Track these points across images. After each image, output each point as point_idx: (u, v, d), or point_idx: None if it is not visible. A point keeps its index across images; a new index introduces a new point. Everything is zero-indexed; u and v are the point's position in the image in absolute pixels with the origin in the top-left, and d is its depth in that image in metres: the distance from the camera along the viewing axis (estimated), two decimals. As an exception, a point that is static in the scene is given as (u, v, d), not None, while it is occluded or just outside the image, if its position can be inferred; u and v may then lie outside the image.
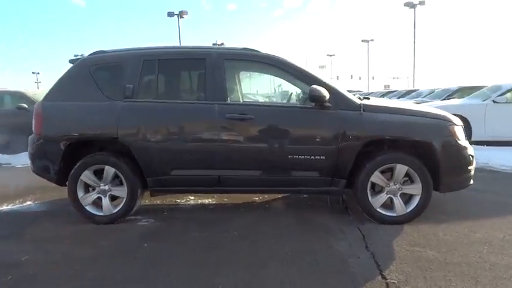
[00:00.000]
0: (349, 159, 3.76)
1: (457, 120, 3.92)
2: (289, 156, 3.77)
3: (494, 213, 4.12)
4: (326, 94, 3.66)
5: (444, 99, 12.08)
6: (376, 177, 3.79)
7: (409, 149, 3.83)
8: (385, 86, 51.80)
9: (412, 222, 3.81)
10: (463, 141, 3.85)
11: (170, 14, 34.80)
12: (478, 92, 10.14)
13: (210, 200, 4.83)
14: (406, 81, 48.17)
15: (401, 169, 3.75)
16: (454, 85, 13.91)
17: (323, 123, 3.77)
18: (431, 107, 4.33)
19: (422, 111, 3.95)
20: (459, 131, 3.87)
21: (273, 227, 3.83)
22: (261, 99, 7.20)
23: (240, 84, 4.74)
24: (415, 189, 3.79)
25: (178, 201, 4.85)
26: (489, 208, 4.31)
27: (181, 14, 34.56)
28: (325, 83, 3.84)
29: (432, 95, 13.95)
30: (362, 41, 51.27)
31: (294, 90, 4.51)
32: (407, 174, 3.80)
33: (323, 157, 3.76)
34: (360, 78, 58.52)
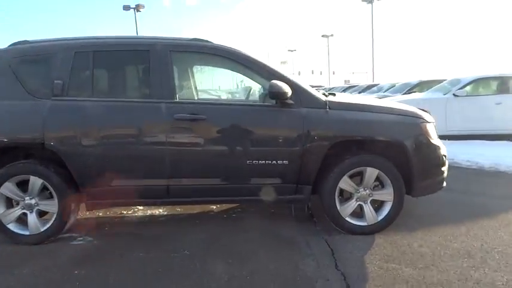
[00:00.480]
0: (314, 163, 3.34)
1: (428, 117, 3.59)
2: (248, 162, 3.30)
3: (468, 217, 3.85)
4: (287, 90, 3.22)
5: (405, 93, 12.05)
6: (345, 183, 3.40)
7: (380, 150, 3.47)
8: (345, 80, 52.48)
9: (383, 231, 3.45)
10: (435, 140, 3.54)
11: (126, 8, 33.24)
12: (438, 85, 10.10)
13: (161, 210, 4.28)
14: (365, 76, 49.01)
15: (371, 173, 3.38)
16: (413, 79, 13.96)
17: (285, 123, 3.33)
18: (400, 103, 4.01)
19: (392, 108, 3.59)
20: (431, 129, 3.55)
21: (232, 242, 3.36)
22: (223, 97, 6.64)
23: (193, 80, 4.21)
24: (387, 195, 3.44)
25: (124, 212, 4.27)
26: (462, 211, 4.05)
27: (137, 8, 33.08)
28: (286, 77, 3.39)
29: (393, 89, 13.94)
30: (322, 36, 51.62)
31: (255, 86, 4.05)
32: (377, 179, 3.44)
33: (286, 161, 3.32)
34: (320, 73, 58.98)
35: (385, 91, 14.39)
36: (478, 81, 9.11)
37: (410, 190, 3.49)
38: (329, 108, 3.33)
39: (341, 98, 3.77)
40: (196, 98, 4.17)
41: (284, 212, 4.11)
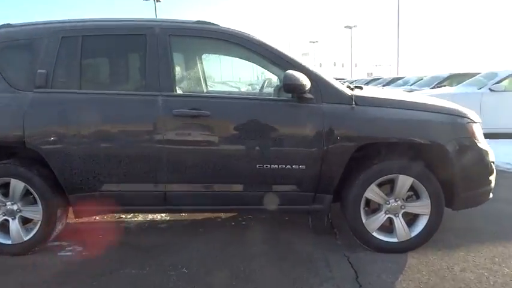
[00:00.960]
0: (337, 169, 2.83)
1: (475, 116, 3.02)
2: (258, 166, 2.82)
3: (517, 233, 3.27)
4: (306, 82, 2.70)
5: (434, 87, 11.29)
6: (372, 192, 2.87)
7: (415, 154, 2.93)
8: (368, 73, 51.22)
9: (417, 250, 2.93)
10: (483, 143, 2.97)
11: (145, -3, 33.10)
12: (471, 79, 9.34)
13: (163, 215, 3.85)
14: (389, 69, 47.65)
15: (405, 181, 2.85)
16: (442, 72, 13.13)
17: (302, 121, 2.82)
18: (438, 99, 3.45)
19: (431, 105, 3.02)
20: (478, 130, 2.98)
21: (239, 257, 2.90)
22: (233, 89, 6.13)
23: (198, 70, 3.74)
24: (423, 208, 2.90)
25: (123, 216, 3.85)
26: (508, 225, 3.46)
27: (157, -2, 32.88)
28: (305, 67, 2.87)
29: (420, 82, 13.15)
30: (345, 27, 50.41)
31: (273, 78, 3.55)
32: (412, 188, 2.90)
33: (303, 166, 2.82)
34: (342, 65, 57.85)
35: (412, 84, 13.61)
36: (517, 76, 8.33)
37: (450, 202, 2.95)
38: (355, 104, 2.80)
39: (370, 92, 3.23)
40: (200, 91, 3.69)
41: (300, 220, 3.61)
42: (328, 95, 2.83)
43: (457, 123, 2.90)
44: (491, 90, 7.91)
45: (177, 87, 2.93)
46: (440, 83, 11.74)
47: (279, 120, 2.84)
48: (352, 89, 3.03)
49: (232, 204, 2.99)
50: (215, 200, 2.94)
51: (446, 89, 9.74)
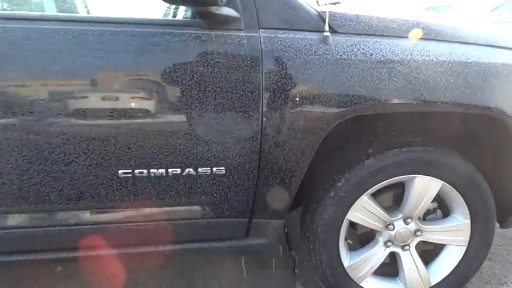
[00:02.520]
0: (293, 169, 1.35)
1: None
2: (122, 173, 1.28)
3: None
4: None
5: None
6: (363, 211, 1.45)
7: (445, 135, 1.50)
8: None
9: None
10: None
11: None
12: None
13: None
14: None
15: (427, 188, 1.43)
16: None
17: (214, 72, 1.24)
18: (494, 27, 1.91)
19: (482, 36, 1.50)
20: None
21: None
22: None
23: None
24: (455, 233, 1.53)
25: None
26: None
27: None
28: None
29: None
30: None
31: None
32: (436, 198, 1.49)
33: (219, 169, 1.31)
34: None
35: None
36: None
37: (500, 216, 1.58)
38: (332, 30, 1.27)
39: (357, 8, 1.65)
40: None
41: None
42: (271, 14, 1.27)
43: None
44: None
45: None
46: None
47: (163, 74, 1.25)
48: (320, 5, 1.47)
49: (70, 247, 1.45)
50: (36, 240, 1.40)
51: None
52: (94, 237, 1.37)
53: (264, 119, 1.26)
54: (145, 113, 1.21)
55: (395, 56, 1.28)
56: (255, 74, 1.22)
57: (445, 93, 1.30)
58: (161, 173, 1.29)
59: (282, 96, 1.24)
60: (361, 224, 1.48)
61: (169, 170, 1.29)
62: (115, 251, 1.41)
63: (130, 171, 1.28)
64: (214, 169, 1.31)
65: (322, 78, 1.25)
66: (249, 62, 1.22)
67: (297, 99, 1.26)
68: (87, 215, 1.35)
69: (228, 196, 1.37)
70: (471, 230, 1.51)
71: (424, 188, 1.43)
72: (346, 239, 1.53)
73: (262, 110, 1.25)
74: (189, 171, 1.30)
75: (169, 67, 1.20)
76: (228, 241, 1.48)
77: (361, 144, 1.47)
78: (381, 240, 1.53)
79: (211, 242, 1.47)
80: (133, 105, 1.21)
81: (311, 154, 1.33)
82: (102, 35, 1.18)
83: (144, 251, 1.43)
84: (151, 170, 1.29)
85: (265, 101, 1.25)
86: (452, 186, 1.44)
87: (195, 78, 1.21)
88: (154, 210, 1.37)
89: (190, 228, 1.42)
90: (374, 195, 1.47)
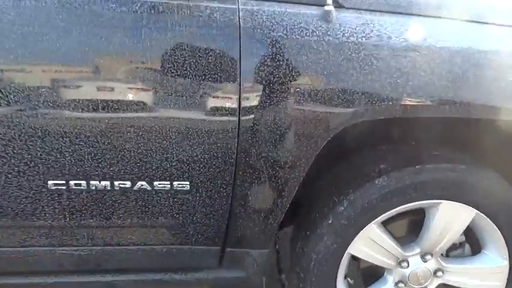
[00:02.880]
0: (281, 189, 1.03)
1: None
2: (52, 184, 0.97)
3: None
4: None
5: None
6: (369, 244, 1.12)
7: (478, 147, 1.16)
8: None
9: None
10: None
11: None
12: None
13: None
14: None
15: (454, 216, 1.10)
16: None
17: (183, 56, 0.91)
18: None
19: None
20: None
21: None
22: None
23: None
24: (488, 276, 1.18)
25: None
26: None
27: None
28: None
29: None
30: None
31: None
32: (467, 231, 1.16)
33: (184, 184, 0.99)
34: None
35: None
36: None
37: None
38: (337, 4, 0.94)
39: None
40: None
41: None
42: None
43: None
44: None
45: None
46: None
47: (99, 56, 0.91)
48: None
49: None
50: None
51: None
52: (19, 263, 1.07)
53: (242, 120, 0.94)
54: (75, 106, 0.90)
55: (424, 41, 0.94)
56: (229, 59, 0.90)
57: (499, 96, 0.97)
58: (104, 186, 0.98)
59: (266, 90, 0.92)
60: (367, 259, 1.15)
61: (116, 183, 0.98)
62: (47, 280, 1.10)
63: (63, 182, 0.97)
64: (176, 183, 1.00)
65: (321, 68, 0.92)
66: (222, 43, 0.90)
67: (287, 95, 0.93)
68: (7, 236, 1.05)
69: (194, 218, 1.05)
70: (509, 273, 1.17)
71: (451, 218, 1.10)
72: (345, 277, 1.20)
73: (239, 109, 0.93)
74: (141, 185, 0.99)
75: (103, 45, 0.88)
76: (195, 272, 1.16)
77: (371, 157, 1.14)
78: (391, 280, 1.20)
79: (173, 273, 1.15)
80: (54, 94, 0.90)
81: (305, 168, 1.01)
82: None
83: (84, 280, 1.12)
84: (92, 182, 0.97)
85: (243, 96, 0.93)
86: (488, 216, 1.10)
87: (149, 63, 0.89)
88: (97, 232, 1.06)
89: (144, 256, 1.10)
90: (384, 223, 1.15)
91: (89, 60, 0.89)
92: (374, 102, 0.94)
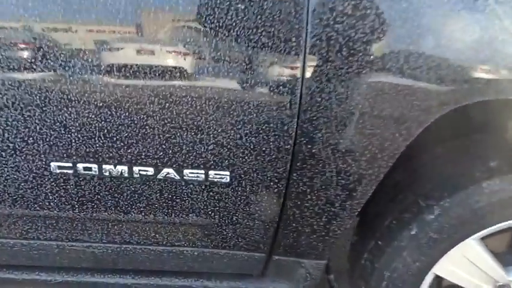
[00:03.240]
0: (353, 187, 0.76)
1: None
2: (55, 167, 0.76)
3: None
4: None
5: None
6: (462, 262, 0.84)
7: None
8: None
9: None
10: None
11: None
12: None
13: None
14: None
15: None
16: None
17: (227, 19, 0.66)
18: None
19: None
20: None
21: None
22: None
23: None
24: None
25: None
26: None
27: None
28: None
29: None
30: None
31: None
32: None
33: (223, 175, 0.75)
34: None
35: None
36: None
37: None
38: None
39: None
40: None
41: None
42: None
43: None
44: None
45: None
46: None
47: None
48: None
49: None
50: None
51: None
52: (22, 256, 0.89)
53: (305, 93, 0.67)
54: (82, 66, 0.66)
55: None
56: (292, 18, 0.62)
57: None
58: (120, 172, 0.75)
59: (341, 52, 0.64)
60: (456, 282, 0.88)
61: (135, 169, 0.75)
62: (56, 277, 0.92)
63: (69, 165, 0.75)
64: (212, 173, 0.75)
65: (427, 28, 0.62)
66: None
67: (371, 61, 0.65)
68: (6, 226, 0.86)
69: (234, 218, 0.81)
70: None
71: None
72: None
73: (302, 77, 0.66)
74: (167, 173, 0.76)
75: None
76: (232, 281, 0.94)
77: (473, 151, 0.84)
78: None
79: (205, 280, 0.93)
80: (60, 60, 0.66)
81: (388, 163, 0.73)
82: None
83: (99, 280, 0.92)
84: (105, 167, 0.75)
85: (307, 66, 0.65)
86: None
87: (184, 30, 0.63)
88: (113, 227, 0.85)
89: (171, 258, 0.89)
90: (483, 238, 0.86)
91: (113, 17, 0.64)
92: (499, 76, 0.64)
